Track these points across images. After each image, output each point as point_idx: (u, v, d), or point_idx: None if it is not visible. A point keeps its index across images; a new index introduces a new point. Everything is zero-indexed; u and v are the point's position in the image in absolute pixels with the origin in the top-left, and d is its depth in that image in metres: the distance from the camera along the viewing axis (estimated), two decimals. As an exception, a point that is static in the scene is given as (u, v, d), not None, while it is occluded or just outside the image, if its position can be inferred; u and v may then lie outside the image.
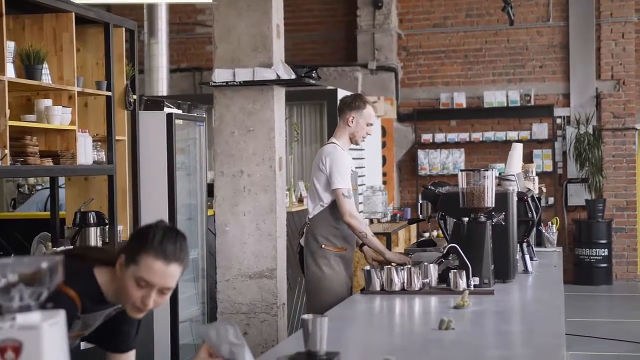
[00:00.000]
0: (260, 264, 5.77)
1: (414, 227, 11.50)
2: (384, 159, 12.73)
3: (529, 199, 5.29)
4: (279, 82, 5.73)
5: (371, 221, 10.58)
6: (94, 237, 5.66)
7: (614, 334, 9.12)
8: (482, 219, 4.57)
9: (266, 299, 5.78)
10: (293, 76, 5.74)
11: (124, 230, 6.13)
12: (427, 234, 10.82)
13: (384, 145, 12.70)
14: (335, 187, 5.31)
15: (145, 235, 2.75)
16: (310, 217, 5.49)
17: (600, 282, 12.66)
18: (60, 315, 1.85)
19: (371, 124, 5.53)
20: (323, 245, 5.41)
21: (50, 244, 5.71)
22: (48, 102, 5.32)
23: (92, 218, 5.67)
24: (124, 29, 6.20)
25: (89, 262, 2.88)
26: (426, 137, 13.45)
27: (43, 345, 1.79)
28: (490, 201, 4.56)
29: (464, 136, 13.32)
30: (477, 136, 13.29)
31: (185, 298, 6.85)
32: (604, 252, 12.70)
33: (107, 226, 5.84)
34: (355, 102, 5.52)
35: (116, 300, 2.86)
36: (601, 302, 11.84)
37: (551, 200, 13.02)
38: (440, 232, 6.04)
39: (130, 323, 3.03)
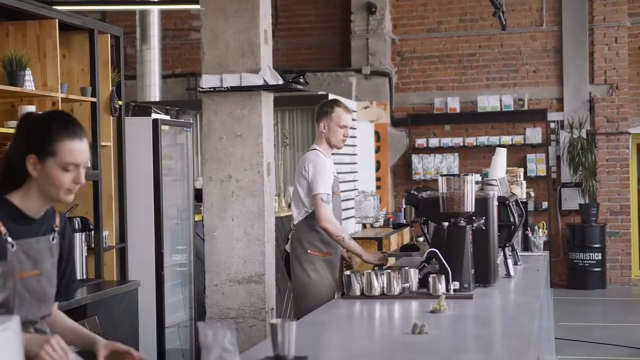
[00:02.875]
0: (249, 269, 5.78)
1: (407, 231, 11.50)
2: (378, 163, 12.76)
3: (512, 204, 5.29)
4: (266, 87, 5.75)
5: (363, 226, 10.58)
6: (79, 242, 5.67)
7: (607, 339, 9.11)
8: (462, 223, 4.57)
9: (255, 304, 5.79)
10: (280, 82, 5.74)
11: (109, 236, 6.14)
12: (421, 239, 10.80)
13: (378, 150, 12.72)
14: (315, 192, 5.35)
15: (48, 128, 2.86)
16: (294, 223, 5.54)
17: (594, 286, 12.67)
18: (13, 321, 1.86)
19: (344, 126, 5.54)
20: (309, 251, 5.45)
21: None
22: (31, 108, 5.33)
23: (77, 223, 5.68)
24: (109, 35, 6.21)
25: None
26: (420, 141, 13.46)
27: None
28: (470, 206, 4.56)
29: (458, 141, 13.33)
30: (471, 141, 13.30)
31: (172, 303, 6.85)
32: (597, 256, 12.69)
33: (92, 232, 5.86)
34: (323, 108, 5.57)
35: (40, 207, 2.92)
36: (595, 307, 11.84)
37: (545, 204, 13.03)
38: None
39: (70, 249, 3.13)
